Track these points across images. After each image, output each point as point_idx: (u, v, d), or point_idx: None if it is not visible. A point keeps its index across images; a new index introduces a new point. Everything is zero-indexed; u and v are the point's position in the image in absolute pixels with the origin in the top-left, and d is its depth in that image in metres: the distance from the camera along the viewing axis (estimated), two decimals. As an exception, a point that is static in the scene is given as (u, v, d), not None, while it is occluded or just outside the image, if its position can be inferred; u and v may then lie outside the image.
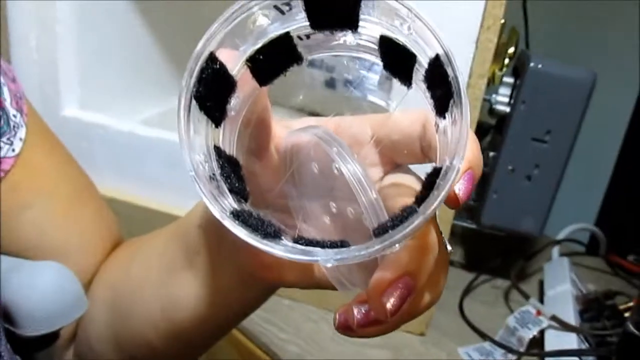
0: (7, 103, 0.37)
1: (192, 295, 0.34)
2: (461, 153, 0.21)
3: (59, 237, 0.40)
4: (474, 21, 0.58)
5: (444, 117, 0.23)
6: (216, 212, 0.23)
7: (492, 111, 0.75)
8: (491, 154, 0.76)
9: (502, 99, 0.75)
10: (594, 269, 0.91)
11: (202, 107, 0.24)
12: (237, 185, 0.25)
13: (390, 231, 0.21)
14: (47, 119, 0.78)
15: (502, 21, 0.57)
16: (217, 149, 0.26)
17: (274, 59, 0.25)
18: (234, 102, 0.25)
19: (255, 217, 0.23)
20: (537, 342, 0.67)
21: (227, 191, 0.25)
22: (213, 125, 0.25)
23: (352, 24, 0.24)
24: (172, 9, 0.94)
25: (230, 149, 0.27)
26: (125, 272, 0.39)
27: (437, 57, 0.22)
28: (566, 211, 0.91)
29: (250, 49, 0.25)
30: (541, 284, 0.82)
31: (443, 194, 0.21)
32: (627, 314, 0.67)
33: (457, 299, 0.78)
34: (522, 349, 0.66)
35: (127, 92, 0.89)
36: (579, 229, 0.91)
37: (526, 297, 0.74)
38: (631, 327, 0.50)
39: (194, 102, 0.24)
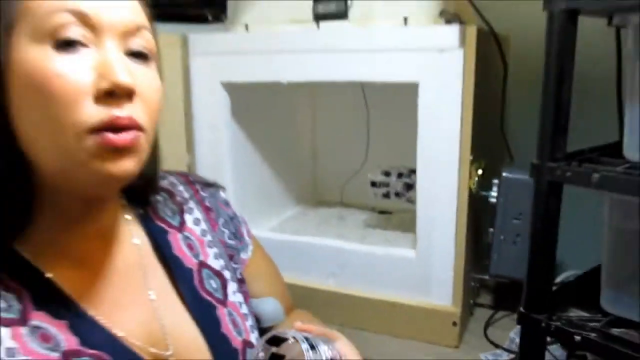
0: (245, 233, 0.85)
1: None
2: None
3: (276, 295, 0.86)
4: (454, 158, 1.05)
5: None
6: None
7: (487, 202, 1.19)
8: (490, 229, 1.19)
9: (493, 194, 1.19)
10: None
11: None
12: None
13: None
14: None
15: (470, 158, 1.04)
16: None
17: None
18: None
19: None
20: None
21: None
22: None
23: None
24: (284, 148, 1.49)
25: None
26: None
27: None
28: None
29: None
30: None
31: None
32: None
33: (482, 326, 1.20)
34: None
35: (259, 208, 1.41)
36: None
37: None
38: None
39: None
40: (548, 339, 1.01)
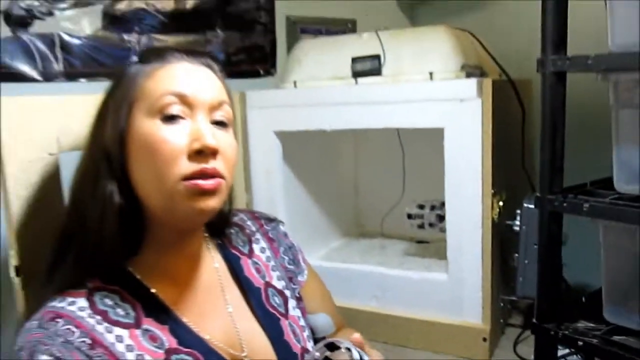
0: (301, 260, 1.01)
1: None
2: None
3: (327, 312, 1.02)
4: (477, 192, 1.20)
5: None
6: None
7: (512, 230, 1.33)
8: (516, 255, 1.33)
9: (517, 222, 1.33)
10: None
11: None
12: None
13: None
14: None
15: (492, 191, 1.19)
16: None
17: None
18: None
19: None
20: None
21: None
22: None
23: None
24: (329, 187, 1.66)
25: None
26: None
27: None
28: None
29: None
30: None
31: None
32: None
33: (512, 344, 1.32)
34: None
35: (308, 240, 1.59)
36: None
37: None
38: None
39: None
40: (567, 349, 1.13)
